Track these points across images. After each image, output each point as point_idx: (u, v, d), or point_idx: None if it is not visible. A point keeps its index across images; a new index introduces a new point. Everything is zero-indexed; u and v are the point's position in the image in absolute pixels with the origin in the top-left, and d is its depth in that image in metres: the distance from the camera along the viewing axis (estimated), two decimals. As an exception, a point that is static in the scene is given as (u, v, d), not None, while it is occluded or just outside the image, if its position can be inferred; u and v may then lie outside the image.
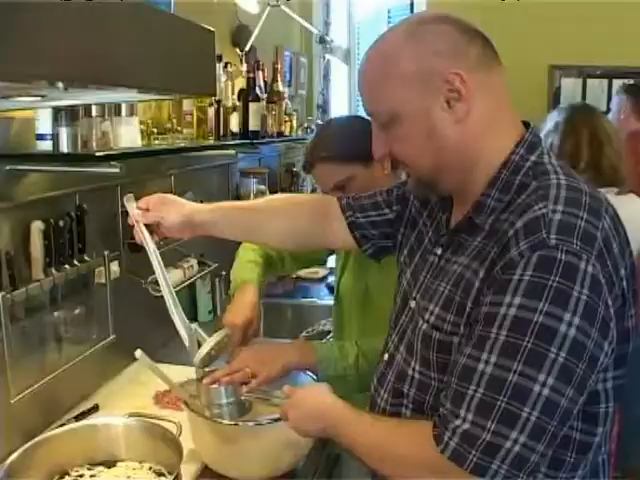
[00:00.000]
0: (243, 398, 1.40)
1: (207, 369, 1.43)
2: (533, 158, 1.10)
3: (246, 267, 1.96)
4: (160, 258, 1.45)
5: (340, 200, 1.51)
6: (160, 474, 1.22)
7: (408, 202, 1.41)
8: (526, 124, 1.16)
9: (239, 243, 2.03)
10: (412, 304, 1.24)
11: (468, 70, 1.06)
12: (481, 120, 1.10)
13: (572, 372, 0.94)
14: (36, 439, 1.18)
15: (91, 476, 1.22)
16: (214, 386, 1.25)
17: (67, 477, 1.17)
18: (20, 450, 1.15)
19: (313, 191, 3.99)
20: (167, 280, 1.44)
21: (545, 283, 0.94)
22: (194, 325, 1.45)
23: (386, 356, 1.30)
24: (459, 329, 1.08)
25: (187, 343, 1.40)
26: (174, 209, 1.46)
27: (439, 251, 1.21)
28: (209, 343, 1.42)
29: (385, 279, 1.73)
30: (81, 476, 1.17)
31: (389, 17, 4.90)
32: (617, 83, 4.82)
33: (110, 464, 1.32)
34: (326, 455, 1.95)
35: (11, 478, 1.10)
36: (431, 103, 1.08)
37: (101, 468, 1.29)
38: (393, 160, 1.19)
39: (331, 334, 2.35)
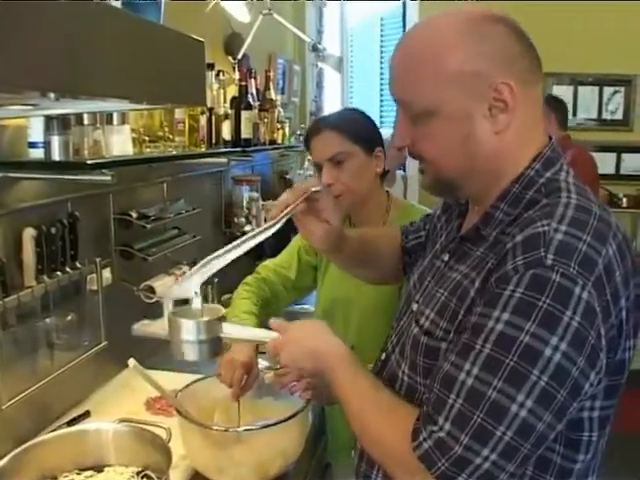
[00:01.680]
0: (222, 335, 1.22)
1: None
2: (548, 174, 1.07)
3: (242, 319, 1.84)
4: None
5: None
6: (149, 478, 1.23)
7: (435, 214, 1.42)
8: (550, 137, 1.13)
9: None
10: (414, 307, 1.22)
11: (517, 81, 1.02)
12: (517, 134, 1.06)
13: (552, 397, 0.92)
14: (26, 444, 1.19)
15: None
16: (184, 319, 1.16)
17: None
18: (10, 455, 1.16)
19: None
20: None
21: (535, 303, 0.91)
22: None
23: (383, 355, 1.29)
24: (449, 336, 1.06)
25: None
26: None
27: (446, 257, 1.19)
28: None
29: (366, 287, 1.76)
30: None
31: (382, 25, 4.93)
32: (608, 90, 4.87)
33: (99, 469, 1.33)
34: (316, 462, 1.97)
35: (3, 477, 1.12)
36: (474, 108, 1.04)
37: (90, 473, 1.29)
38: (412, 154, 1.14)
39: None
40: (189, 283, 1.18)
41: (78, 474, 1.31)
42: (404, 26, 4.42)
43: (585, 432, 1.03)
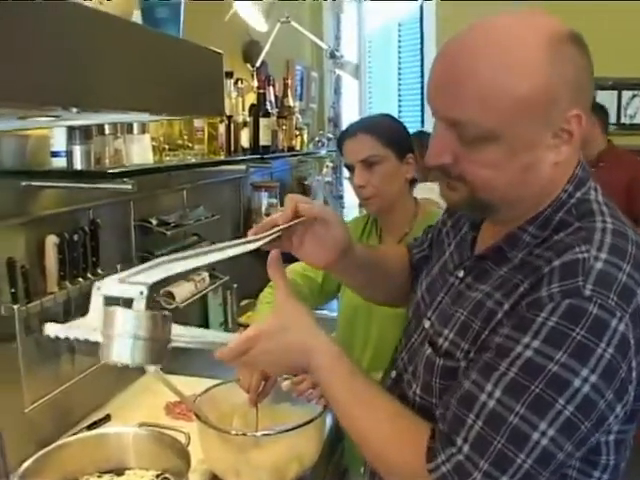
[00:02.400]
0: (173, 340, 1.02)
1: None
2: (579, 195, 1.02)
3: None
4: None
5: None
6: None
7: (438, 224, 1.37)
8: None
9: (253, 259, 2.04)
10: (426, 324, 1.16)
11: (584, 111, 0.95)
12: (568, 163, 1.01)
13: (575, 428, 0.88)
14: (49, 447, 1.22)
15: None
16: (121, 308, 0.97)
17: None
18: (33, 457, 1.19)
19: (326, 203, 4.03)
20: None
21: (569, 334, 0.87)
22: None
23: (393, 373, 1.24)
24: (469, 355, 1.01)
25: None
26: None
27: (461, 274, 1.13)
28: None
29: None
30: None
31: (399, 32, 4.93)
32: (627, 94, 4.84)
33: (120, 472, 1.35)
34: (333, 467, 1.98)
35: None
36: (541, 137, 0.96)
37: (110, 476, 1.32)
38: (445, 170, 1.02)
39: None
40: (134, 279, 0.99)
41: (99, 477, 1.33)
42: (422, 30, 4.43)
43: (603, 456, 0.99)
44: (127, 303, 0.96)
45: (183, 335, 1.02)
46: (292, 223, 1.12)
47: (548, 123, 0.94)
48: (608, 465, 0.99)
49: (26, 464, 1.17)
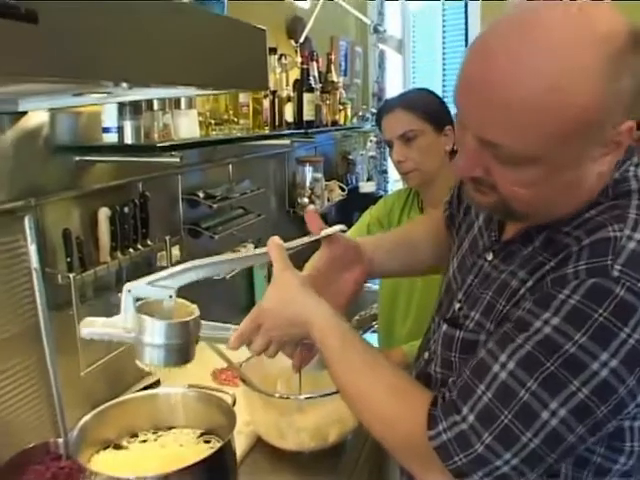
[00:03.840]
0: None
1: None
2: (616, 175, 0.95)
3: None
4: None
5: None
6: (214, 438, 1.30)
7: None
8: None
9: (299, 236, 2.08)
10: (457, 306, 1.13)
11: (637, 116, 0.86)
12: (609, 174, 0.94)
13: (589, 412, 0.84)
14: (106, 404, 1.29)
15: (143, 441, 1.30)
16: (154, 319, 1.03)
17: (136, 438, 1.27)
18: (92, 413, 1.26)
19: (369, 179, 4.05)
20: None
21: (591, 314, 0.82)
22: None
23: (426, 355, 1.20)
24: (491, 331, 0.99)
25: None
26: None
27: (489, 257, 1.09)
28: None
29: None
30: (144, 441, 1.27)
31: (444, 8, 4.89)
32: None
33: (170, 428, 1.41)
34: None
35: (85, 433, 1.21)
36: (588, 153, 0.87)
37: (160, 433, 1.38)
38: (475, 179, 0.95)
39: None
40: (167, 283, 1.05)
41: (154, 432, 1.39)
42: (466, 5, 4.38)
43: (627, 442, 0.95)
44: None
45: (212, 332, 1.11)
46: (316, 238, 1.19)
47: (597, 141, 0.86)
48: (633, 451, 0.95)
49: (86, 418, 1.24)
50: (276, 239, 1.12)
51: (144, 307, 1.05)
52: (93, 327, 1.06)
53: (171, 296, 1.04)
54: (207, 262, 1.09)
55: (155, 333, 1.02)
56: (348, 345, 1.05)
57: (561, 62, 0.80)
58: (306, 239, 1.19)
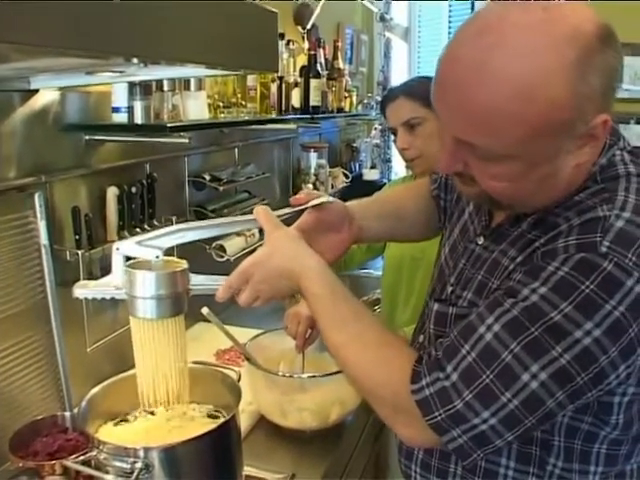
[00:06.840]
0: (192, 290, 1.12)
1: None
2: (603, 161, 0.98)
3: None
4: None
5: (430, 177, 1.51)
6: (215, 416, 1.32)
7: None
8: None
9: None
10: (449, 289, 1.15)
11: (610, 112, 0.89)
12: (590, 163, 0.96)
13: (569, 378, 0.86)
14: (112, 378, 1.30)
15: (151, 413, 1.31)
16: (144, 271, 1.05)
17: (142, 412, 1.29)
18: (101, 385, 1.28)
19: (373, 167, 4.07)
20: None
21: (577, 285, 0.85)
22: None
23: (421, 338, 1.23)
24: None
25: None
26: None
27: (481, 240, 1.12)
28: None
29: (431, 249, 1.82)
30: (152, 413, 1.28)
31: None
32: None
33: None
34: (376, 416, 2.04)
35: (93, 405, 1.24)
36: (562, 147, 0.90)
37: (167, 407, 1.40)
38: (456, 172, 1.00)
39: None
40: (155, 243, 1.08)
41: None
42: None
43: (614, 415, 0.98)
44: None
45: (201, 283, 1.11)
46: (303, 207, 1.21)
47: (571, 135, 0.88)
48: (618, 423, 0.99)
49: (93, 390, 1.26)
50: (261, 206, 1.13)
51: (134, 266, 1.08)
52: (86, 288, 1.11)
53: (158, 256, 1.07)
54: (195, 225, 1.12)
55: (145, 285, 1.05)
56: (337, 295, 1.06)
57: (526, 65, 0.82)
58: (295, 208, 1.22)
